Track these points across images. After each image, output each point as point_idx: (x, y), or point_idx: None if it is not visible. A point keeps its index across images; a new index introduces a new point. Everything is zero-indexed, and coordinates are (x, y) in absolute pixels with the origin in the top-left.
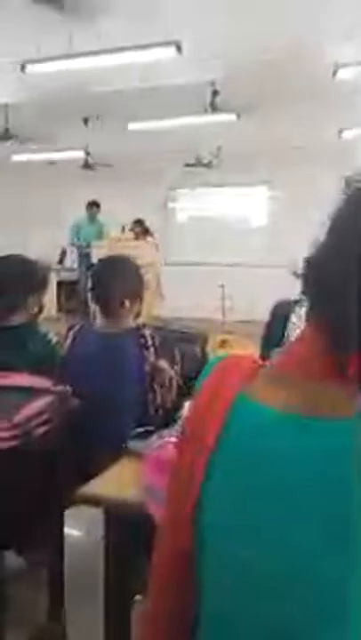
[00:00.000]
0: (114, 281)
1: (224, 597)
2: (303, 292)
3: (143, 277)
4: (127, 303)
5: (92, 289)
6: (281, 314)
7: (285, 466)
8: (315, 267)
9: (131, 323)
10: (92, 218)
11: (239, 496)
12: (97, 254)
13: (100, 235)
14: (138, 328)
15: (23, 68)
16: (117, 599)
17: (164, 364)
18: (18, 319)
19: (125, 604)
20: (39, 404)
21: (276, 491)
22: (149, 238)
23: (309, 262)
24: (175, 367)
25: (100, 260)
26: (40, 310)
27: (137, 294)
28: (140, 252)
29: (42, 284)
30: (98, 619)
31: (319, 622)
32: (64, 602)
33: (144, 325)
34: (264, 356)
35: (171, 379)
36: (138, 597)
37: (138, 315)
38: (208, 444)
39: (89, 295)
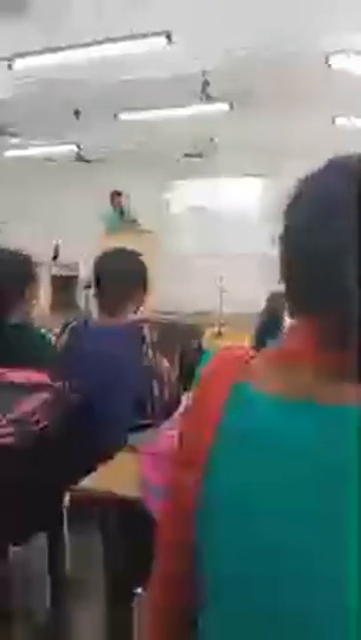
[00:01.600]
0: (118, 274)
1: (227, 584)
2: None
3: (146, 270)
4: (131, 297)
5: (94, 282)
6: (275, 305)
7: (281, 450)
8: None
9: (130, 316)
10: (118, 209)
11: (240, 479)
12: (100, 247)
13: (129, 221)
14: (136, 322)
15: (11, 62)
16: (118, 593)
17: (161, 358)
18: (15, 315)
19: (126, 597)
20: (36, 399)
21: (275, 474)
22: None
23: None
24: (173, 361)
25: (103, 253)
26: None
27: (141, 287)
28: (136, 245)
29: (35, 278)
30: (99, 613)
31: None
32: (66, 596)
33: (142, 319)
34: (258, 347)
35: (169, 372)
36: (138, 590)
37: (137, 308)
38: (208, 434)
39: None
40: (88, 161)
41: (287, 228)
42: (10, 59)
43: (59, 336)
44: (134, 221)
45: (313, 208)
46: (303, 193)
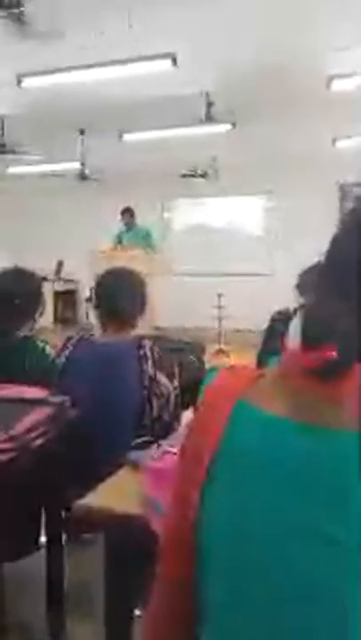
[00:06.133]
0: (120, 294)
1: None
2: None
3: (145, 289)
4: (132, 316)
5: (97, 301)
6: (280, 323)
7: (278, 468)
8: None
9: (130, 334)
10: (128, 225)
11: (237, 499)
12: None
13: (146, 240)
14: (137, 339)
15: (19, 81)
16: (118, 614)
17: (161, 375)
18: (23, 331)
19: (126, 618)
20: (37, 415)
21: (270, 492)
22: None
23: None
24: (173, 379)
25: (105, 273)
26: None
27: (141, 307)
28: (135, 264)
29: (43, 295)
30: (98, 634)
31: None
32: (65, 617)
33: (143, 337)
34: (262, 365)
35: (168, 390)
36: (138, 612)
37: (136, 324)
38: (209, 451)
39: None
40: (90, 179)
41: (338, 259)
42: (18, 77)
43: (61, 350)
44: (151, 247)
45: None
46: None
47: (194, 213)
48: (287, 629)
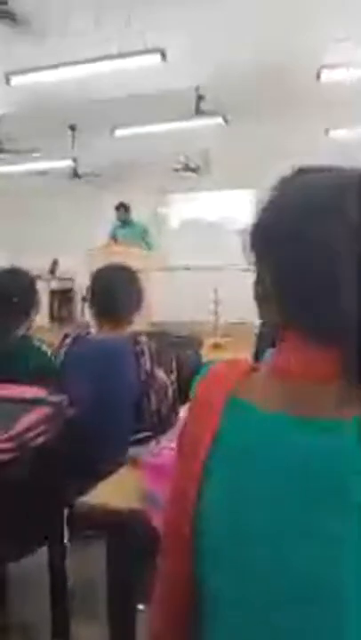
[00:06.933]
0: (115, 290)
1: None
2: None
3: (141, 284)
4: (129, 312)
5: (93, 298)
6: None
7: (274, 463)
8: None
9: (127, 330)
10: (123, 221)
11: (234, 495)
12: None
13: (141, 236)
14: (134, 335)
15: (7, 79)
16: (121, 611)
17: (159, 371)
18: (21, 330)
19: (130, 615)
20: (37, 414)
21: (266, 487)
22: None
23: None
24: (171, 374)
25: (100, 270)
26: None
27: (138, 303)
28: (129, 260)
29: (38, 294)
30: (102, 631)
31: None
32: (69, 615)
33: (140, 333)
34: (258, 359)
35: (166, 386)
36: (141, 607)
37: (131, 322)
38: (204, 446)
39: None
40: (83, 177)
41: (270, 240)
42: (6, 75)
43: (58, 348)
44: (149, 245)
45: (300, 210)
46: (281, 201)
47: (189, 208)
48: (286, 625)
